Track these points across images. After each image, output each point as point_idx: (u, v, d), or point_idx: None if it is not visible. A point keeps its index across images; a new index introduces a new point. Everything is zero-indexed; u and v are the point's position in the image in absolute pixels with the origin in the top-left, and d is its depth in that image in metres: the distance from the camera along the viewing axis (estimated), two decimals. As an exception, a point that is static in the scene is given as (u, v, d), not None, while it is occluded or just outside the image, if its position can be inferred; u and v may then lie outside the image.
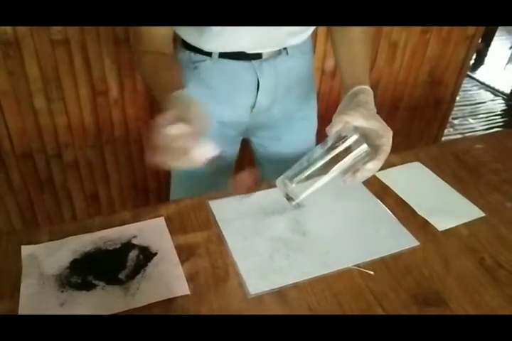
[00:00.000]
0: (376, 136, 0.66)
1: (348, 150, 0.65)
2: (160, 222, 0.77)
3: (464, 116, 2.77)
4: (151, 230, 0.75)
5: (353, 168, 0.66)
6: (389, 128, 0.68)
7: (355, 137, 0.64)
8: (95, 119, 1.36)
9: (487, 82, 3.16)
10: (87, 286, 0.64)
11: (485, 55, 3.42)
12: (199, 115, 0.62)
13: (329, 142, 0.66)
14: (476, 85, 3.15)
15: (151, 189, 1.60)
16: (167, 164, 0.60)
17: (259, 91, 0.91)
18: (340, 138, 0.65)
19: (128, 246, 0.71)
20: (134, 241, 0.72)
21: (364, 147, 0.64)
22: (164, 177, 1.55)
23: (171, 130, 0.58)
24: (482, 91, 3.09)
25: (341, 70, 0.81)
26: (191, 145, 0.59)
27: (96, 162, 1.45)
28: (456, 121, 2.69)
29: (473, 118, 2.77)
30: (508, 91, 3.02)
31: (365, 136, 0.66)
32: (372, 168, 0.66)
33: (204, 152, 0.61)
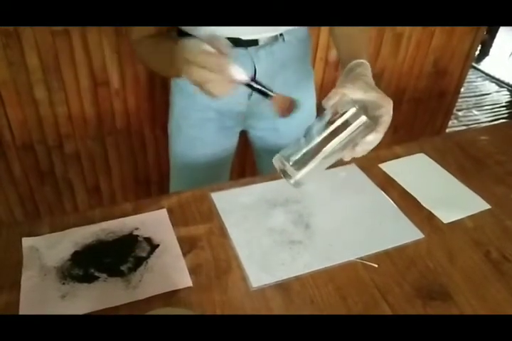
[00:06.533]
0: (375, 107, 0.63)
1: (346, 125, 0.61)
2: (162, 213, 0.76)
3: (468, 108, 2.75)
4: (153, 222, 0.74)
5: (352, 142, 0.62)
6: (389, 98, 0.64)
7: (353, 110, 0.61)
8: (96, 110, 1.35)
9: (492, 73, 3.12)
10: (89, 278, 0.64)
11: (490, 46, 3.38)
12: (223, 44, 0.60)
13: (326, 116, 0.63)
14: (481, 76, 3.12)
15: (153, 181, 1.59)
16: (200, 78, 0.58)
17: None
18: (338, 113, 0.62)
19: (130, 237, 0.71)
20: (136, 233, 0.72)
21: (363, 119, 0.60)
22: (166, 169, 1.54)
23: (207, 46, 0.58)
24: (487, 82, 3.06)
25: (338, 47, 0.79)
26: (226, 64, 0.58)
27: (97, 153, 1.44)
28: (460, 113, 2.67)
29: (477, 110, 2.75)
30: (513, 83, 2.99)
31: (364, 109, 0.62)
32: (372, 140, 0.62)
33: (237, 72, 0.60)
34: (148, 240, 0.70)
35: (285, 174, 0.64)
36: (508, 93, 2.95)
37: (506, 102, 2.85)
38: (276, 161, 0.64)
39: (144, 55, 0.80)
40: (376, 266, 0.71)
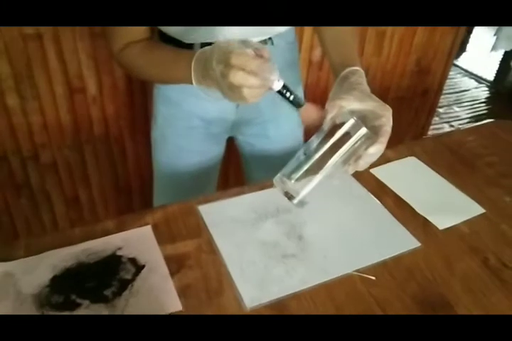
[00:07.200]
0: (374, 116, 0.61)
1: (346, 137, 0.59)
2: (146, 230, 0.72)
3: (449, 105, 2.76)
4: (138, 240, 0.69)
5: (354, 156, 0.61)
6: (387, 106, 0.63)
7: (352, 121, 0.58)
8: (73, 118, 1.29)
9: (470, 69, 3.15)
10: (70, 306, 0.59)
11: (467, 42, 3.41)
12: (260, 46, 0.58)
13: (325, 131, 0.60)
14: (460, 73, 3.14)
15: (134, 189, 1.54)
16: (239, 82, 0.55)
17: None
18: (337, 125, 0.60)
19: (113, 258, 0.66)
20: (120, 253, 0.67)
21: (363, 131, 0.58)
22: (147, 176, 1.49)
23: (248, 49, 0.55)
24: (466, 78, 3.09)
25: (329, 53, 0.76)
26: (269, 68, 0.56)
27: (75, 163, 1.38)
28: (441, 110, 2.68)
29: (458, 107, 2.76)
30: (491, 79, 3.02)
31: (363, 119, 0.60)
32: (374, 152, 0.60)
33: (276, 79, 0.57)
34: (132, 261, 0.66)
35: (288, 194, 0.61)
36: (486, 89, 2.97)
37: (485, 98, 2.87)
38: (277, 182, 0.61)
39: (135, 62, 0.75)
40: (374, 278, 0.68)
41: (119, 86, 1.29)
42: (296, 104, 0.60)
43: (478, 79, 3.07)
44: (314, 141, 0.60)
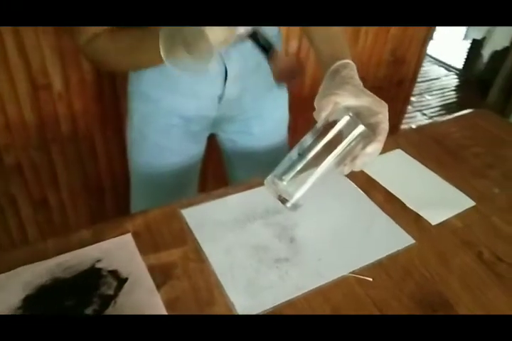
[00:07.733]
0: (370, 113, 0.58)
1: (341, 135, 0.55)
2: (127, 239, 0.66)
3: (420, 93, 2.78)
4: (118, 250, 0.64)
5: (350, 155, 0.57)
6: (383, 102, 0.59)
7: (346, 118, 0.55)
8: (37, 116, 1.21)
9: (439, 58, 3.17)
10: (47, 328, 0.53)
11: (433, 30, 3.43)
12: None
13: (319, 128, 0.56)
14: (430, 61, 3.16)
15: (106, 188, 1.47)
16: None
17: (227, 81, 0.81)
18: (331, 123, 0.56)
19: (92, 272, 0.61)
20: (99, 266, 0.62)
21: (360, 128, 0.55)
22: (120, 174, 1.42)
23: None
24: (435, 67, 3.11)
25: (318, 48, 0.72)
26: None
27: (42, 163, 1.30)
28: (413, 98, 2.69)
29: (429, 95, 2.78)
30: (460, 67, 3.05)
31: (357, 116, 0.57)
32: (372, 151, 0.57)
33: None
34: (113, 273, 0.61)
35: (280, 197, 0.56)
36: (456, 77, 3.01)
37: (455, 86, 2.91)
38: (269, 183, 0.56)
39: (102, 50, 0.68)
40: (371, 279, 0.65)
41: (87, 80, 1.21)
42: (266, 50, 0.56)
43: (448, 67, 3.10)
44: (308, 139, 0.56)
